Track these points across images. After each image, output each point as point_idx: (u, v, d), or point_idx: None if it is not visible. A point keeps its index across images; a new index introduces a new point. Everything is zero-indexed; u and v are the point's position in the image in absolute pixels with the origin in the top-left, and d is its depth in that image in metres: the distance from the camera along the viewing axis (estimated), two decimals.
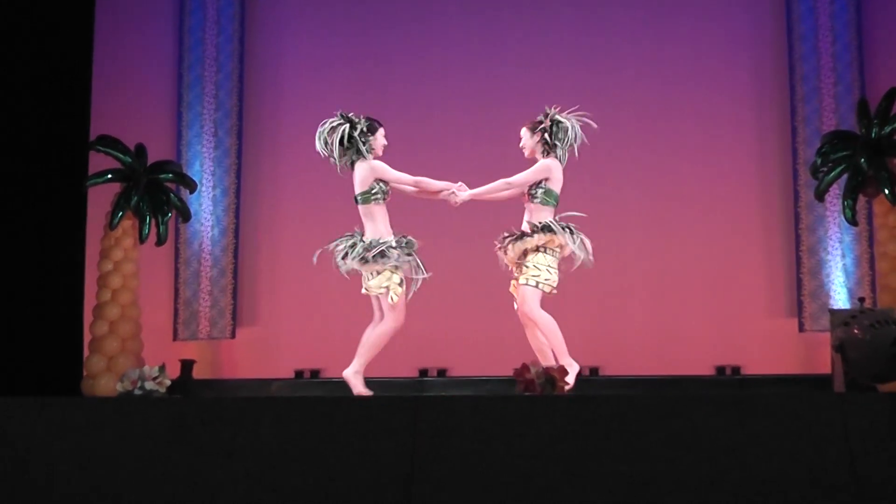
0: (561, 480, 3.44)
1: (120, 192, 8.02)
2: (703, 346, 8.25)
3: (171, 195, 8.16)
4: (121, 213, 7.86)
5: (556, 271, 5.76)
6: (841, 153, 7.84)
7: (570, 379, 5.37)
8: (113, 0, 9.00)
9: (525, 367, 4.98)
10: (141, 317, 8.05)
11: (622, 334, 8.34)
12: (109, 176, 8.09)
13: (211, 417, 3.78)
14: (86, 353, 7.95)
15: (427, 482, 3.48)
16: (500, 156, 8.85)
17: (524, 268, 5.78)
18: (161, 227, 7.98)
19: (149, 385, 4.58)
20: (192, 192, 8.63)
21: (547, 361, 5.62)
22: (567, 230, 5.77)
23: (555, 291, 5.75)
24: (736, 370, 8.09)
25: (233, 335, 8.92)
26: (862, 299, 7.78)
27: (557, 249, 5.76)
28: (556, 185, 5.93)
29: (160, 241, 8.05)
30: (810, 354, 8.16)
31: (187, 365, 8.01)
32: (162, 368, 6.08)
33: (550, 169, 5.91)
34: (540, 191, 5.92)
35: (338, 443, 3.59)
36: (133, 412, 3.96)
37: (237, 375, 8.78)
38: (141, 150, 8.07)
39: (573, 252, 5.76)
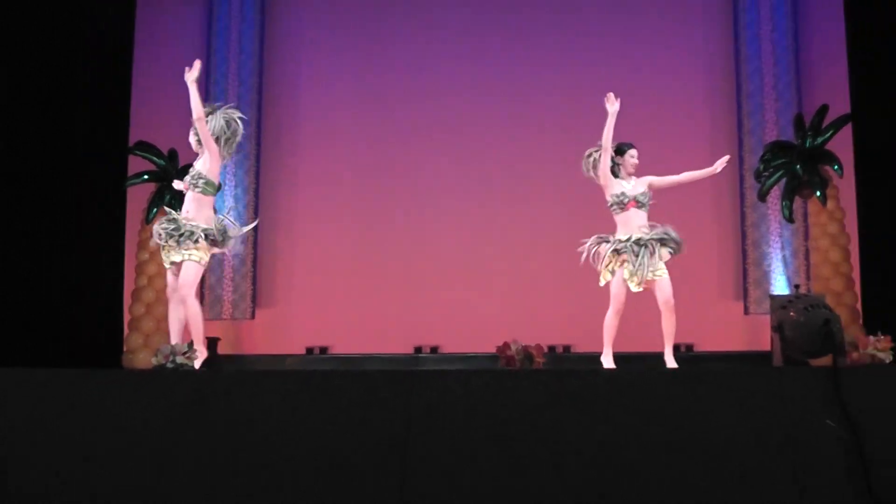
0: (538, 444, 3.44)
1: (155, 191, 8.00)
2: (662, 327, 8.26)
3: None
4: (155, 210, 7.84)
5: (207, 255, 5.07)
6: (780, 160, 7.87)
7: (198, 364, 4.73)
8: (149, 25, 8.96)
9: (506, 345, 4.96)
10: None
11: (592, 316, 8.30)
12: (146, 177, 8.08)
13: (232, 388, 3.77)
14: (126, 331, 7.94)
15: (421, 446, 3.47)
16: (500, 154, 8.92)
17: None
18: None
19: (179, 359, 4.55)
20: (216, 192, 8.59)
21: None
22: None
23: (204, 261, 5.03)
24: (689, 347, 8.10)
25: (252, 316, 8.91)
26: (798, 286, 7.83)
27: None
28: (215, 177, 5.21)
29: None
30: (754, 334, 8.18)
31: (212, 342, 7.98)
32: (191, 345, 6.03)
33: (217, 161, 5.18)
34: (201, 181, 5.14)
35: (343, 411, 3.58)
36: (166, 383, 3.94)
37: (256, 351, 8.77)
38: (173, 154, 8.04)
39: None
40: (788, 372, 3.77)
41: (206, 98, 9.23)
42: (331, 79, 9.28)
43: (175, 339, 5.12)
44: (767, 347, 6.10)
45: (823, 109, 7.84)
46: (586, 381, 3.60)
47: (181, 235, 4.99)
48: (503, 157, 8.93)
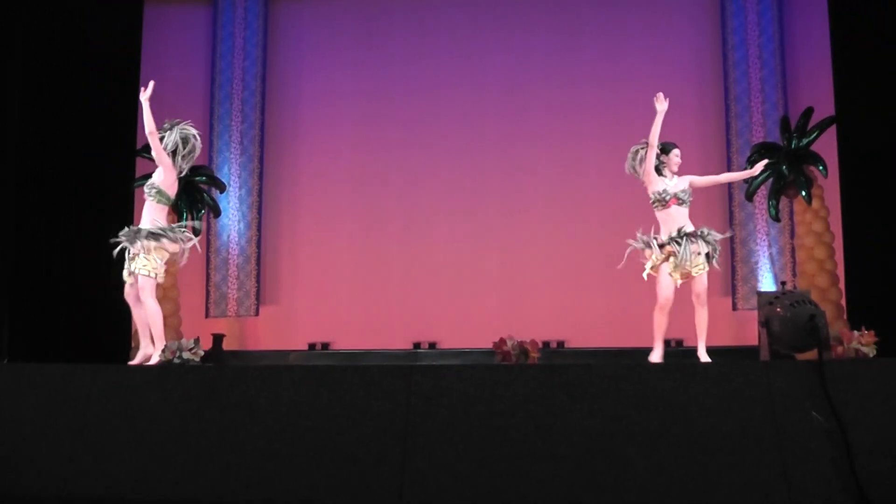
0: (533, 435, 3.44)
1: None
2: (652, 323, 8.27)
3: (205, 194, 8.15)
4: None
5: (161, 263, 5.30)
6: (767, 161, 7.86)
7: (155, 359, 4.96)
8: (156, 34, 8.97)
9: (502, 341, 4.96)
10: (179, 297, 8.01)
11: (585, 314, 8.34)
12: None
13: (237, 382, 3.77)
14: (134, 327, 7.92)
15: (420, 436, 3.48)
16: (498, 154, 8.92)
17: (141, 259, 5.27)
18: (196, 221, 7.95)
19: (186, 355, 4.56)
20: (221, 192, 8.60)
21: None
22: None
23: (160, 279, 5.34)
24: (679, 342, 8.09)
25: (256, 313, 8.91)
26: (784, 283, 7.84)
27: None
28: (171, 189, 5.40)
29: (195, 233, 8.02)
30: (741, 329, 8.19)
31: (218, 338, 7.98)
32: (197, 341, 6.04)
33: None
34: (154, 190, 5.34)
35: (344, 404, 3.58)
36: (173, 377, 3.95)
37: (260, 347, 8.77)
38: None
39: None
40: (775, 366, 3.78)
41: (210, 102, 9.31)
42: (331, 82, 9.29)
43: (143, 338, 5.37)
44: (755, 342, 6.11)
45: (808, 112, 7.85)
46: (580, 375, 3.61)
47: (134, 241, 5.29)
48: (500, 158, 8.95)
